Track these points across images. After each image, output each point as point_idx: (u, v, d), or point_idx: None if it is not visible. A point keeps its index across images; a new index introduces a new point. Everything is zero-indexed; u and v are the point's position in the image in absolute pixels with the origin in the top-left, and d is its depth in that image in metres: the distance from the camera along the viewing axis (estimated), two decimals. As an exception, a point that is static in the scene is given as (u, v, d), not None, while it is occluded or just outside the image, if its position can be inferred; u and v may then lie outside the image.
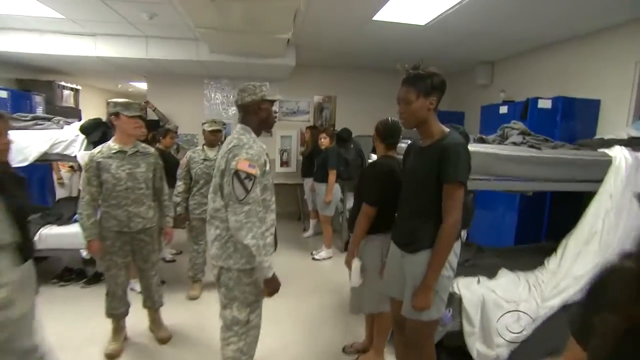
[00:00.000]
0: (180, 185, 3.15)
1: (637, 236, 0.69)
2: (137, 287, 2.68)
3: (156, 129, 4.28)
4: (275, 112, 2.10)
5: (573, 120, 3.58)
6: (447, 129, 1.69)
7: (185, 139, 5.95)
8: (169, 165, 3.56)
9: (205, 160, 3.13)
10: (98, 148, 2.27)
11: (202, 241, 3.26)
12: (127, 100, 2.25)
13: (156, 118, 5.57)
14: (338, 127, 5.10)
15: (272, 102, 1.75)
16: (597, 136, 3.59)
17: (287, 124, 6.20)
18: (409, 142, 2.02)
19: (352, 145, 4.48)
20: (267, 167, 1.70)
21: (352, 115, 6.20)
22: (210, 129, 3.11)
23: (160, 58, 4.63)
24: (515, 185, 2.34)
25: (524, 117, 3.74)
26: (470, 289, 2.35)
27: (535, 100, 3.59)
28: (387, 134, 2.21)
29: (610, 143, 2.98)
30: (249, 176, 1.53)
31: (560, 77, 4.02)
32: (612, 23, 3.50)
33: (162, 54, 4.59)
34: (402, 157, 1.97)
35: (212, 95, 6.08)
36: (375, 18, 3.55)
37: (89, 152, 2.31)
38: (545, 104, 3.53)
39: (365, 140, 4.58)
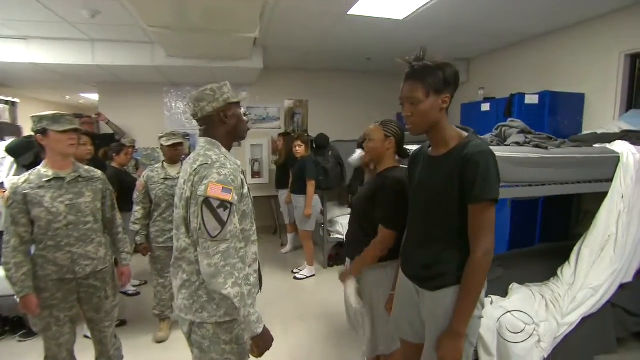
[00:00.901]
0: (138, 211, 2.66)
1: None
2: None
3: (110, 144, 3.72)
4: (246, 115, 1.65)
5: (560, 116, 3.41)
6: (464, 133, 1.37)
7: (145, 153, 5.37)
8: (126, 187, 3.06)
9: (166, 179, 2.66)
10: (24, 176, 1.77)
11: (168, 273, 2.77)
12: (55, 112, 1.76)
13: (111, 132, 4.96)
14: (311, 133, 4.74)
15: (238, 104, 1.41)
16: (585, 131, 3.45)
17: (257, 132, 5.76)
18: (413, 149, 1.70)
19: (330, 153, 4.13)
20: (245, 189, 1.35)
21: (326, 120, 5.87)
22: (168, 143, 2.64)
23: (110, 64, 4.07)
24: (529, 191, 2.06)
25: (508, 114, 3.54)
26: (485, 312, 2.05)
27: (521, 96, 3.39)
28: (402, 138, 1.83)
29: (604, 138, 2.80)
30: (224, 204, 1.20)
31: (542, 72, 3.87)
32: (594, 14, 3.36)
33: (112, 59, 4.03)
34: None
35: (173, 105, 5.54)
36: (350, 12, 3.22)
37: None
38: (532, 99, 3.34)
39: (343, 146, 4.25)
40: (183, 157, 2.86)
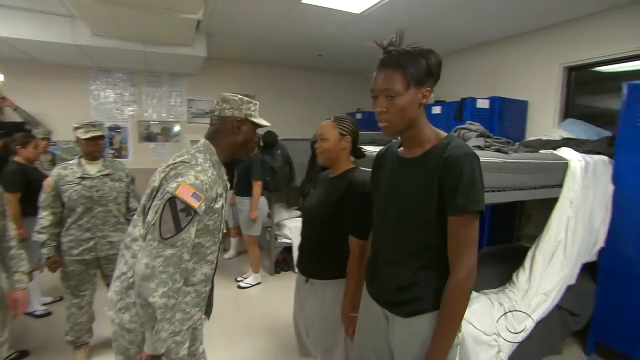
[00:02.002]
0: (45, 217, 2.16)
1: None
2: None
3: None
4: (257, 140, 1.66)
5: (507, 121, 3.47)
6: (442, 132, 1.19)
7: (67, 147, 4.64)
8: (34, 187, 2.52)
9: (83, 178, 2.19)
10: None
11: (85, 291, 2.31)
12: None
13: (20, 120, 4.19)
14: (258, 130, 4.38)
15: (255, 125, 1.36)
16: (528, 136, 3.55)
17: (198, 127, 5.30)
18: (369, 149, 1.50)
19: (278, 151, 3.86)
20: (219, 204, 1.25)
21: (273, 117, 5.33)
22: (86, 135, 2.17)
23: (16, 37, 3.35)
24: (491, 197, 1.95)
25: (459, 117, 3.54)
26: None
27: (473, 100, 3.39)
28: (358, 137, 1.63)
29: (549, 144, 2.86)
30: (188, 209, 1.12)
31: (489, 78, 3.94)
32: (537, 25, 3.47)
33: (18, 32, 3.32)
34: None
35: (101, 93, 4.86)
36: (304, 1, 2.96)
37: None
38: (483, 103, 3.35)
39: (292, 145, 4.02)
40: (112, 152, 2.41)
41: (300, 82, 5.76)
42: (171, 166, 1.19)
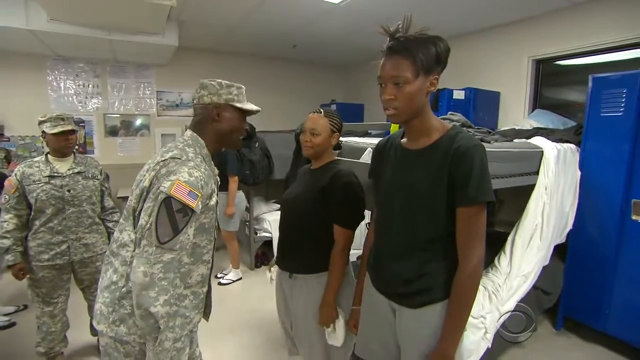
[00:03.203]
0: (9, 220, 1.95)
1: None
2: None
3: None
4: (246, 128, 1.42)
5: (481, 111, 3.55)
6: (446, 123, 1.18)
7: (22, 143, 4.26)
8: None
9: (52, 177, 2.00)
10: None
11: (57, 298, 2.13)
12: None
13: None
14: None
15: (241, 111, 1.25)
16: (500, 126, 3.66)
17: (169, 120, 5.05)
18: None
19: (256, 144, 3.74)
20: (213, 201, 1.19)
21: None
22: (54, 130, 1.97)
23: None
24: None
25: (435, 108, 3.59)
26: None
27: (449, 91, 3.44)
28: (341, 127, 1.60)
29: (521, 133, 2.96)
30: (185, 209, 1.05)
31: (464, 69, 3.99)
32: (507, 19, 3.56)
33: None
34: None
35: (61, 84, 4.47)
36: (282, -11, 2.85)
37: None
38: (459, 94, 3.41)
39: (269, 137, 3.93)
40: (77, 148, 2.21)
41: (273, 74, 5.62)
42: (161, 163, 1.09)
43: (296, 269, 1.58)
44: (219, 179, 1.31)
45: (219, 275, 3.66)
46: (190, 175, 1.06)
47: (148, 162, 1.17)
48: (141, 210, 1.08)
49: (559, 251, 2.71)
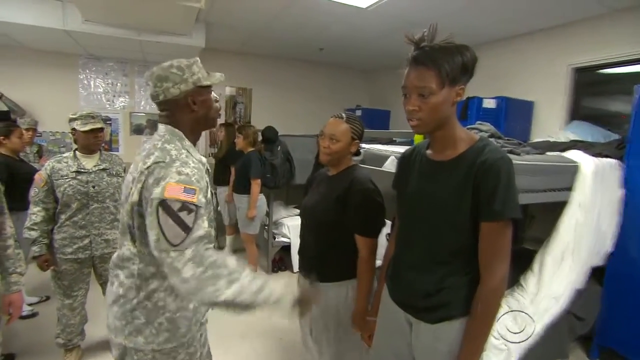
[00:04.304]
0: (37, 213, 2.08)
1: None
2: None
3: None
4: (217, 101, 1.23)
5: (513, 122, 3.47)
6: (474, 134, 1.17)
7: (53, 139, 4.52)
8: (20, 179, 2.43)
9: (79, 173, 2.12)
10: None
11: (77, 291, 2.24)
12: None
13: (5, 109, 4.05)
14: (255, 125, 4.33)
15: (209, 87, 1.19)
16: (533, 138, 3.57)
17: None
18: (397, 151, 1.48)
19: (278, 147, 3.81)
20: (209, 194, 1.17)
21: (271, 112, 5.51)
22: (85, 128, 2.09)
23: (1, 20, 3.22)
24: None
25: (464, 117, 3.54)
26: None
27: (479, 99, 3.39)
28: (362, 135, 1.60)
29: (556, 146, 2.87)
30: (187, 206, 1.00)
31: (495, 77, 3.92)
32: (544, 25, 3.47)
33: (4, 14, 3.19)
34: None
35: (91, 82, 4.73)
36: (311, -8, 2.92)
37: None
38: (490, 103, 3.35)
39: (291, 141, 3.98)
40: (103, 145, 2.33)
41: (299, 77, 5.70)
42: (145, 172, 1.04)
43: (316, 276, 1.57)
44: (208, 167, 1.26)
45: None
46: (179, 174, 1.02)
47: (130, 169, 1.13)
48: (138, 225, 1.07)
49: (596, 274, 2.60)
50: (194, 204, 1.00)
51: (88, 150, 2.17)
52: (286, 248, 4.01)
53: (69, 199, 2.09)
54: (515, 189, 1.04)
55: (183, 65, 1.13)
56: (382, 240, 1.67)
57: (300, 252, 1.70)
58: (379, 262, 1.66)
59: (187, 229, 0.98)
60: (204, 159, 1.21)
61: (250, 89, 5.52)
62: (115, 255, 1.18)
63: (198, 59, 1.18)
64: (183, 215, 0.98)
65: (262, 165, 3.54)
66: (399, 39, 4.19)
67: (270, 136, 3.82)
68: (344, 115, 1.55)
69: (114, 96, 4.82)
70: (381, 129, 4.79)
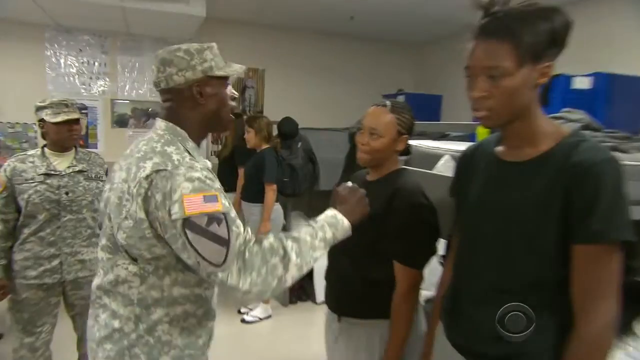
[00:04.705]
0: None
1: None
2: None
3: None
4: (234, 96, 1.33)
5: (618, 106, 3.33)
6: (565, 128, 1.17)
7: (12, 131, 4.66)
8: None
9: (48, 175, 2.14)
10: None
11: (42, 326, 2.25)
12: None
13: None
14: (268, 115, 4.43)
15: (224, 80, 1.27)
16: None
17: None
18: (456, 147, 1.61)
19: (299, 145, 3.89)
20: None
21: (288, 99, 5.59)
22: (57, 119, 2.09)
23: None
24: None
25: (544, 102, 3.42)
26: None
27: (565, 78, 3.27)
28: (412, 128, 1.61)
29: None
30: (215, 216, 1.08)
31: (593, 47, 3.81)
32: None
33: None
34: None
35: (61, 61, 4.85)
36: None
37: None
38: (582, 82, 3.23)
39: (315, 136, 4.07)
40: (79, 141, 2.37)
41: (323, 54, 5.76)
42: (145, 185, 1.10)
43: (345, 310, 1.62)
44: (210, 164, 1.33)
45: (242, 311, 3.79)
46: (190, 180, 1.08)
47: (116, 174, 1.20)
48: (131, 245, 1.13)
49: None
50: (220, 213, 1.08)
51: (60, 147, 2.18)
52: (307, 272, 4.00)
53: (34, 209, 2.09)
54: (625, 201, 0.99)
55: (193, 50, 1.19)
56: (434, 265, 1.66)
57: (327, 277, 1.72)
58: (428, 293, 1.61)
59: (225, 242, 1.06)
60: (208, 164, 1.25)
61: (263, 70, 5.60)
62: (101, 280, 1.21)
63: (214, 44, 1.25)
64: (214, 229, 1.06)
65: (278, 167, 3.57)
66: (457, 1, 4.14)
67: (288, 130, 3.87)
68: (388, 103, 1.55)
69: (91, 79, 4.94)
70: (430, 120, 4.73)
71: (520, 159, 1.12)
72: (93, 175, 2.26)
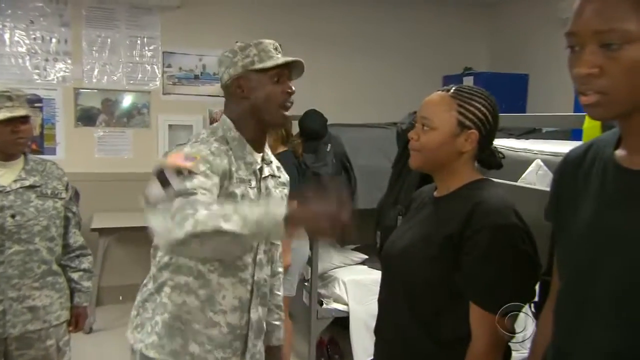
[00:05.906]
0: None
1: None
2: None
3: None
4: (290, 92, 1.80)
5: None
6: None
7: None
8: None
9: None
10: None
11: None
12: None
13: None
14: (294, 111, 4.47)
15: (269, 73, 1.69)
16: None
17: (183, 102, 5.47)
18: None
19: (328, 147, 3.93)
20: (238, 189, 1.69)
21: (309, 86, 5.54)
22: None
23: None
24: None
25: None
26: None
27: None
28: (493, 131, 1.61)
29: None
30: (181, 171, 1.44)
31: None
32: None
33: None
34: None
35: (5, 36, 5.01)
36: None
37: None
38: None
39: (350, 135, 4.11)
40: (29, 145, 2.42)
41: (356, 21, 5.81)
42: None
43: None
44: (256, 171, 1.80)
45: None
46: (191, 147, 1.62)
47: None
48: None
49: None
50: (187, 170, 1.43)
51: (3, 154, 2.24)
52: (341, 322, 4.09)
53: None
54: None
55: (237, 48, 1.71)
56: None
57: (377, 331, 1.75)
58: (519, 356, 1.68)
59: (168, 185, 1.39)
60: (257, 159, 1.78)
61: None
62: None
63: (266, 41, 1.72)
64: (173, 178, 1.40)
65: (299, 177, 3.60)
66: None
67: (313, 127, 3.97)
68: (452, 88, 1.57)
69: (47, 60, 5.09)
70: (512, 110, 4.71)
71: None
72: (49, 192, 2.32)
